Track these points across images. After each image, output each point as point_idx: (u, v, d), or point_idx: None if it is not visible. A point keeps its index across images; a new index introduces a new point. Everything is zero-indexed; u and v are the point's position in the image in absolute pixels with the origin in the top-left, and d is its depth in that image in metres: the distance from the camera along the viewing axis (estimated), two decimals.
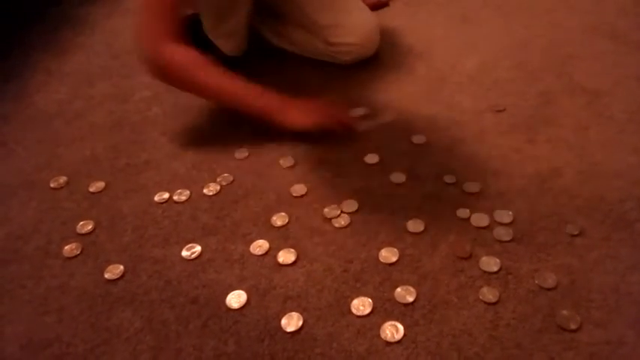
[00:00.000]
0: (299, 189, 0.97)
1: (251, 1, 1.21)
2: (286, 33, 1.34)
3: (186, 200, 0.97)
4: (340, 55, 1.27)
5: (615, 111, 1.10)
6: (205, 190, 0.99)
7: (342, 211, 0.92)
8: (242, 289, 0.81)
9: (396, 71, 1.29)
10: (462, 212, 0.90)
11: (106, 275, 0.84)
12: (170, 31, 1.01)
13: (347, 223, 0.90)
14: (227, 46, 1.24)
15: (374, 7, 1.50)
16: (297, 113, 1.06)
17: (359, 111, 1.15)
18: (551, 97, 1.16)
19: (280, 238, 0.88)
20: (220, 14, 1.19)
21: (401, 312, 0.76)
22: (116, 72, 1.37)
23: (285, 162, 1.04)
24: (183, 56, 1.02)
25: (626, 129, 1.05)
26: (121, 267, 0.85)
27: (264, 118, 1.05)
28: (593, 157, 0.99)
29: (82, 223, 0.94)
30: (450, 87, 1.22)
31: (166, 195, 0.98)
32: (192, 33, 1.29)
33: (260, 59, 1.36)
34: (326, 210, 0.92)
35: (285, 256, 0.85)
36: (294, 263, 0.84)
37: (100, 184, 1.02)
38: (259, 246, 0.87)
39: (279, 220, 0.91)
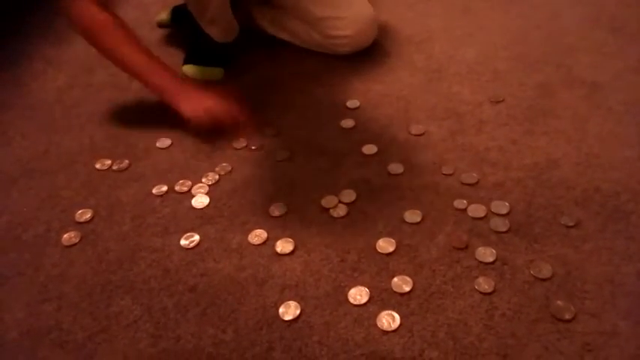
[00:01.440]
0: (297, 179, 0.98)
1: None
2: (284, 24, 1.33)
3: (185, 189, 0.97)
4: (337, 47, 1.27)
5: (614, 103, 1.10)
6: (204, 180, 0.99)
7: (339, 202, 0.92)
8: (240, 278, 0.81)
9: (394, 62, 1.29)
10: (459, 203, 0.90)
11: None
12: None
13: (345, 213, 0.90)
14: (214, 32, 1.23)
15: None
16: (190, 100, 1.04)
17: (354, 103, 1.15)
18: (550, 88, 1.16)
19: (278, 227, 0.89)
20: (200, 1, 1.18)
21: (397, 301, 0.77)
22: None
23: (284, 152, 1.04)
24: (93, 16, 1.02)
25: (624, 121, 1.05)
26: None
27: (159, 97, 1.06)
28: (591, 149, 0.99)
29: (80, 211, 0.94)
30: (448, 78, 1.22)
31: (165, 185, 0.98)
32: (187, 23, 1.30)
33: (258, 49, 1.36)
34: (324, 200, 0.93)
35: (283, 246, 0.86)
36: (291, 253, 0.85)
37: (99, 173, 1.02)
38: (257, 235, 0.88)
39: (277, 209, 0.92)
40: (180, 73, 1.26)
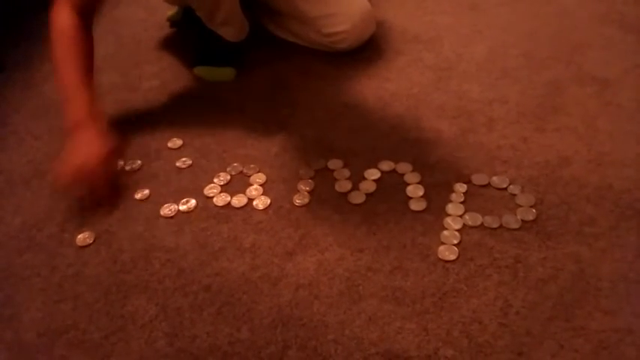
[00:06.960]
0: (309, 178, 0.98)
1: None
2: (283, 24, 1.33)
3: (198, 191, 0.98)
4: (336, 44, 1.26)
5: (624, 100, 1.10)
6: (216, 180, 0.99)
7: (351, 202, 0.93)
8: (254, 277, 0.82)
9: (403, 60, 1.29)
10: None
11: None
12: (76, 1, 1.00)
13: (357, 212, 0.91)
14: (226, 32, 1.23)
15: None
16: (80, 144, 0.94)
17: (364, 102, 1.14)
18: (560, 85, 1.16)
19: (291, 226, 0.89)
20: (211, 4, 1.16)
21: (411, 300, 0.77)
22: (123, 61, 1.36)
23: (294, 151, 1.04)
24: (62, 20, 0.99)
25: (634, 118, 1.05)
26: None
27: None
28: (602, 147, 0.99)
29: (94, 211, 0.95)
30: (458, 76, 1.22)
31: (177, 185, 0.99)
32: (197, 26, 1.30)
33: (268, 48, 1.36)
34: (336, 200, 0.93)
35: (296, 245, 0.86)
36: (305, 252, 0.85)
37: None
38: (270, 234, 0.88)
39: (290, 208, 0.92)
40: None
